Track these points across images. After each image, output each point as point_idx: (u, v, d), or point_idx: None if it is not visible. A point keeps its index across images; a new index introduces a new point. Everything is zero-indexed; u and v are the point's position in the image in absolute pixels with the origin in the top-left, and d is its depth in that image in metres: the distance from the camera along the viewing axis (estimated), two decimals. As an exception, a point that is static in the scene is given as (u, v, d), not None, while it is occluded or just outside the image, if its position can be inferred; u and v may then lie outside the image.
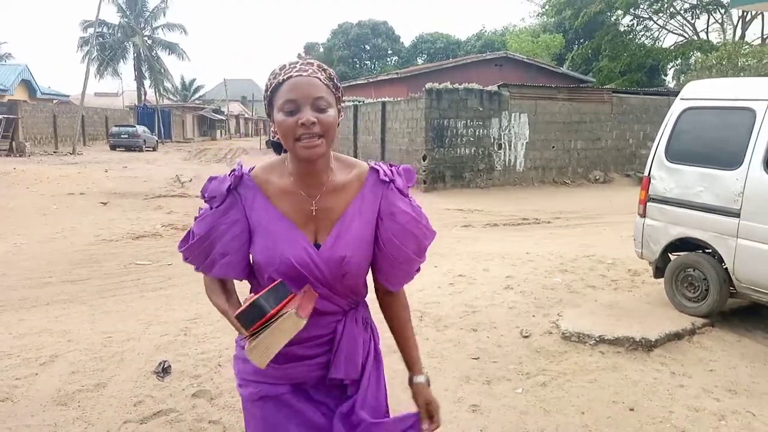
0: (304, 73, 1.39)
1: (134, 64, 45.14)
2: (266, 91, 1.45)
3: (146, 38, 45.00)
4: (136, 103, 43.63)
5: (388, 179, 1.50)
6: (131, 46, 44.28)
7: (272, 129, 1.50)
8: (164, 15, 45.45)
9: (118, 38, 44.31)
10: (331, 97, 1.41)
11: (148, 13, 45.22)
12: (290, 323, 1.33)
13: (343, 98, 1.53)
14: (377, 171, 1.51)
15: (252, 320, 1.32)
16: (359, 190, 1.49)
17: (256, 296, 1.33)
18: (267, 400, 1.53)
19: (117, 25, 44.64)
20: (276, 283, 1.38)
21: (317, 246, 1.45)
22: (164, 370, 3.67)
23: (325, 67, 1.46)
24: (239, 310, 1.33)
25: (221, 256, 1.45)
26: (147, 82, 45.96)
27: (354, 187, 1.50)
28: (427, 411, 1.64)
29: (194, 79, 59.87)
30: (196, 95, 59.87)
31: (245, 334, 1.35)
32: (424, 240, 1.55)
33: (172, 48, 45.85)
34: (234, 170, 1.49)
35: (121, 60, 44.73)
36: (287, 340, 1.34)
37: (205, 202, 1.49)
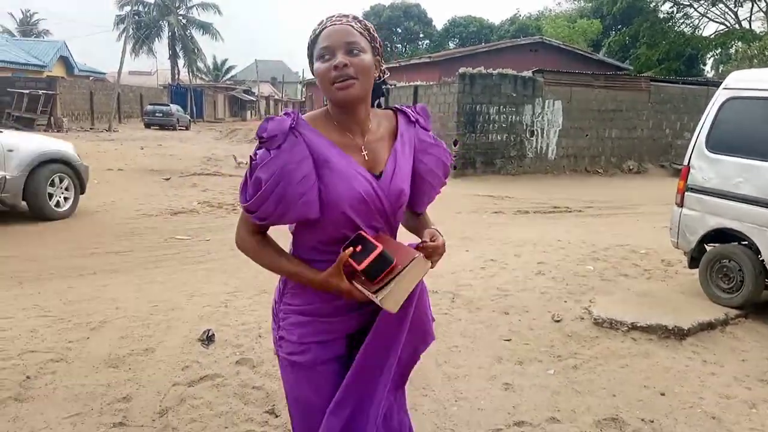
0: (338, 23, 1.48)
1: (168, 43, 45.73)
2: (308, 48, 1.52)
3: (181, 17, 45.49)
4: (170, 82, 44.24)
5: (414, 119, 1.67)
6: (166, 25, 44.83)
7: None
8: (199, -5, 45.82)
9: (154, 17, 44.88)
10: (366, 44, 1.49)
11: (183, -7, 45.64)
12: (420, 268, 1.45)
13: (382, 51, 1.59)
14: (405, 113, 1.67)
15: (379, 271, 1.40)
16: (396, 130, 1.62)
17: (379, 249, 1.40)
18: (330, 362, 1.58)
19: (152, 4, 45.20)
20: (358, 234, 1.46)
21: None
22: (209, 339, 3.84)
23: (362, 19, 1.54)
24: (365, 264, 1.38)
25: (299, 196, 1.43)
26: (180, 62, 46.58)
27: (391, 128, 1.63)
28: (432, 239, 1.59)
29: (226, 60, 60.40)
30: (228, 75, 60.37)
31: (366, 289, 1.40)
32: (448, 163, 1.75)
33: (205, 28, 46.28)
34: (287, 112, 1.51)
35: (156, 39, 45.38)
36: (415, 284, 1.45)
37: (261, 143, 1.46)
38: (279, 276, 1.66)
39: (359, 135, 1.55)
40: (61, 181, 7.94)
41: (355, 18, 1.52)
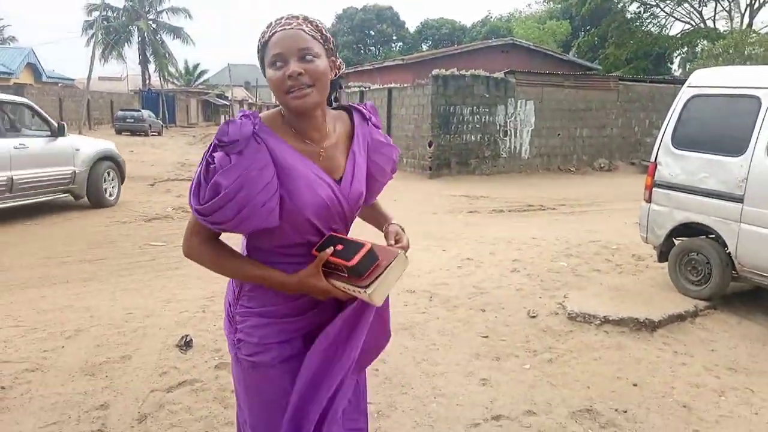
0: (288, 27, 1.44)
1: (139, 48, 45.15)
2: (258, 51, 1.49)
3: (151, 22, 44.91)
4: (141, 88, 43.67)
5: (368, 117, 1.69)
6: (136, 29, 44.24)
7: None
8: (169, -1, 45.33)
9: (123, 22, 44.25)
10: (319, 48, 1.46)
11: (152, -3, 45.08)
12: (402, 264, 1.51)
13: (336, 48, 1.57)
14: (360, 111, 1.67)
15: (367, 267, 1.44)
16: (352, 131, 1.63)
17: (368, 245, 1.45)
18: (290, 360, 1.57)
19: (122, 9, 44.57)
20: (330, 234, 1.50)
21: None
22: (186, 344, 3.82)
23: (312, 19, 1.49)
24: (356, 261, 1.41)
25: (262, 204, 1.39)
26: (151, 67, 45.97)
27: (346, 128, 1.63)
28: (396, 240, 1.64)
29: (198, 64, 59.66)
30: (200, 80, 59.76)
31: (352, 285, 1.44)
32: (396, 161, 1.77)
33: (176, 32, 45.76)
34: (245, 113, 1.45)
35: (126, 44, 44.69)
36: (397, 279, 1.50)
37: (221, 146, 1.39)
38: (231, 280, 1.64)
39: (317, 140, 1.54)
40: (109, 174, 9.58)
41: (305, 19, 1.48)
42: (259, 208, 1.39)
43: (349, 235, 1.61)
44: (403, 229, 1.69)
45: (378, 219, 1.81)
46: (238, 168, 1.37)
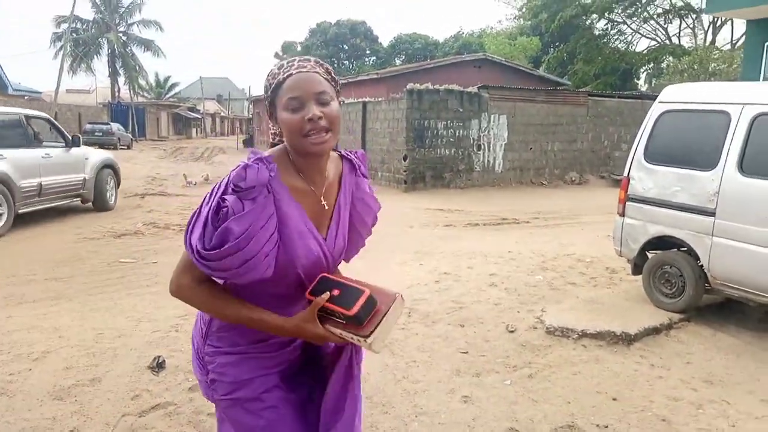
0: (303, 69, 1.43)
1: (108, 61, 44.41)
2: (266, 92, 1.47)
3: (121, 34, 44.31)
4: (110, 100, 42.98)
5: (357, 165, 1.65)
6: (105, 42, 43.56)
7: (273, 130, 1.54)
8: (140, 11, 44.83)
9: (92, 34, 43.56)
10: (332, 91, 1.45)
11: (123, 9, 44.53)
12: (400, 307, 1.47)
13: (341, 92, 1.58)
14: (350, 161, 1.63)
15: (367, 315, 1.39)
16: (341, 181, 1.60)
17: (367, 292, 1.41)
18: (273, 390, 1.52)
19: (91, 21, 43.91)
20: (323, 277, 1.47)
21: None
22: (159, 365, 3.71)
23: (322, 62, 1.50)
24: (356, 310, 1.37)
25: (264, 257, 1.37)
26: (121, 79, 45.27)
27: (337, 173, 1.60)
28: None
29: (169, 77, 58.94)
30: (171, 93, 59.08)
31: (351, 333, 1.40)
32: (377, 213, 1.72)
33: (147, 45, 45.22)
34: (260, 157, 1.41)
35: (95, 56, 43.98)
36: (396, 322, 1.46)
37: (235, 192, 1.35)
38: (200, 315, 1.59)
39: (318, 183, 1.52)
40: (109, 180, 10.73)
41: (317, 62, 1.48)
42: (262, 260, 1.37)
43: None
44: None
45: None
46: (250, 217, 1.34)
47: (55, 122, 10.18)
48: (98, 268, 6.47)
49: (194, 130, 52.80)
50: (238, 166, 1.38)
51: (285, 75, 1.42)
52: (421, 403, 3.34)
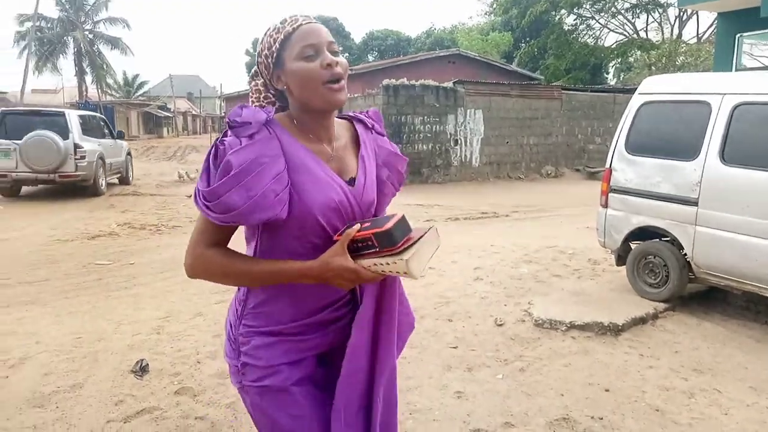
0: (312, 22, 1.41)
1: (75, 60, 43.35)
2: (270, 48, 1.39)
3: (87, 32, 43.28)
4: (78, 100, 41.96)
5: (371, 125, 1.61)
6: (71, 40, 42.51)
7: (275, 86, 1.44)
8: (106, 9, 43.73)
9: (58, 32, 42.44)
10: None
11: (89, 7, 43.47)
12: (435, 238, 1.40)
13: None
14: (361, 121, 1.60)
15: (403, 235, 1.31)
16: (357, 138, 1.56)
17: (401, 214, 1.35)
18: (303, 382, 1.46)
19: (56, 19, 42.75)
20: (352, 222, 1.40)
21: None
22: (142, 369, 3.60)
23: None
24: (390, 225, 1.28)
25: (274, 194, 1.30)
26: (89, 78, 44.21)
27: (351, 136, 1.56)
28: None
29: (138, 75, 57.76)
30: (141, 91, 57.92)
31: (385, 257, 1.29)
32: (404, 170, 1.69)
33: (114, 43, 44.24)
34: (259, 105, 1.41)
35: (61, 55, 42.84)
36: (432, 253, 1.38)
37: (232, 128, 1.32)
38: (235, 296, 1.52)
39: (327, 142, 1.47)
40: (131, 163, 15.01)
41: (316, 19, 1.45)
42: (271, 198, 1.29)
43: None
44: None
45: None
46: (251, 150, 1.29)
47: (107, 121, 14.53)
48: (74, 271, 6.28)
49: (165, 129, 51.84)
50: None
51: (294, 26, 1.38)
52: (414, 399, 3.29)
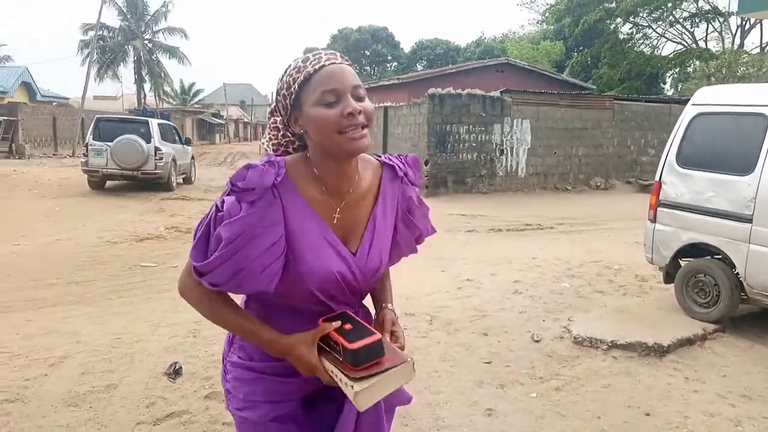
0: (336, 61, 1.29)
1: (134, 68, 45.06)
2: (287, 88, 1.31)
3: (147, 42, 44.94)
4: (136, 107, 43.56)
5: (402, 174, 1.47)
6: (132, 49, 44.21)
7: (279, 138, 1.40)
8: (165, 19, 45.35)
9: (119, 41, 44.25)
10: (363, 87, 1.33)
11: (149, 17, 45.16)
12: (407, 374, 1.27)
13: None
14: (392, 167, 1.47)
15: (368, 359, 1.23)
16: (379, 190, 1.43)
17: (378, 336, 1.26)
18: (283, 419, 1.40)
19: (118, 29, 44.60)
20: (344, 312, 1.34)
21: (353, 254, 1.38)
22: (175, 372, 3.64)
23: (346, 57, 1.37)
24: (358, 345, 1.22)
25: (262, 268, 1.24)
26: (147, 86, 45.86)
27: (375, 180, 1.43)
28: (392, 331, 1.45)
29: (194, 83, 59.59)
30: (196, 99, 59.73)
31: (342, 372, 1.23)
32: (428, 229, 1.57)
33: (172, 52, 45.77)
34: (271, 160, 1.28)
35: (122, 63, 44.61)
36: (394, 389, 1.27)
37: (233, 192, 1.25)
38: None
39: (344, 192, 1.36)
40: (195, 166, 17.20)
41: (342, 56, 1.34)
42: (258, 274, 1.24)
43: (362, 308, 1.46)
44: (397, 318, 1.51)
45: (377, 290, 1.57)
46: (246, 221, 1.22)
47: (178, 129, 16.76)
48: (119, 272, 6.46)
49: (218, 136, 53.28)
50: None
51: (316, 66, 1.27)
52: (443, 415, 3.21)
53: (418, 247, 1.58)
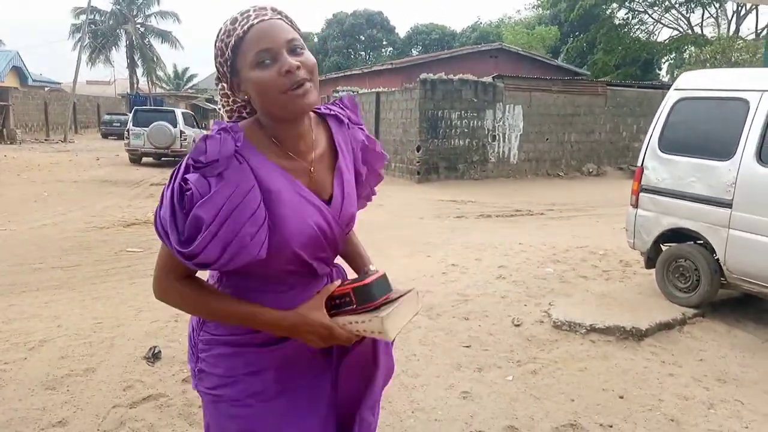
0: (265, 18, 1.22)
1: (126, 52, 44.72)
2: (222, 55, 1.25)
3: (139, 26, 44.55)
4: (129, 92, 43.27)
5: (345, 119, 1.45)
6: (123, 33, 43.86)
7: (229, 106, 1.36)
8: (158, 2, 44.96)
9: (111, 25, 43.84)
10: (300, 39, 1.26)
11: (140, 1, 44.74)
12: (415, 301, 1.33)
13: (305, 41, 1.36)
14: (334, 116, 1.44)
15: (382, 292, 1.26)
16: (332, 139, 1.40)
17: (382, 272, 1.30)
18: (260, 396, 1.34)
19: (109, 12, 44.16)
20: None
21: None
22: (154, 356, 3.65)
23: (277, 8, 1.29)
24: (372, 279, 1.24)
25: (250, 237, 1.18)
26: (139, 71, 45.53)
27: (326, 136, 1.40)
28: None
29: (187, 68, 59.13)
30: (189, 84, 59.27)
31: (361, 315, 1.25)
32: (384, 160, 1.56)
33: (165, 36, 45.40)
34: (224, 127, 1.21)
35: (114, 48, 44.32)
36: (408, 320, 1.31)
37: (196, 168, 1.17)
38: None
39: (304, 153, 1.33)
40: None
41: (273, 9, 1.26)
42: (248, 242, 1.18)
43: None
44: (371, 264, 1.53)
45: (354, 258, 1.56)
46: (220, 196, 1.15)
47: (196, 116, 19.69)
48: (105, 257, 6.46)
49: (212, 121, 53.05)
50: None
51: (245, 27, 1.21)
52: (419, 398, 3.23)
53: (383, 176, 1.60)
